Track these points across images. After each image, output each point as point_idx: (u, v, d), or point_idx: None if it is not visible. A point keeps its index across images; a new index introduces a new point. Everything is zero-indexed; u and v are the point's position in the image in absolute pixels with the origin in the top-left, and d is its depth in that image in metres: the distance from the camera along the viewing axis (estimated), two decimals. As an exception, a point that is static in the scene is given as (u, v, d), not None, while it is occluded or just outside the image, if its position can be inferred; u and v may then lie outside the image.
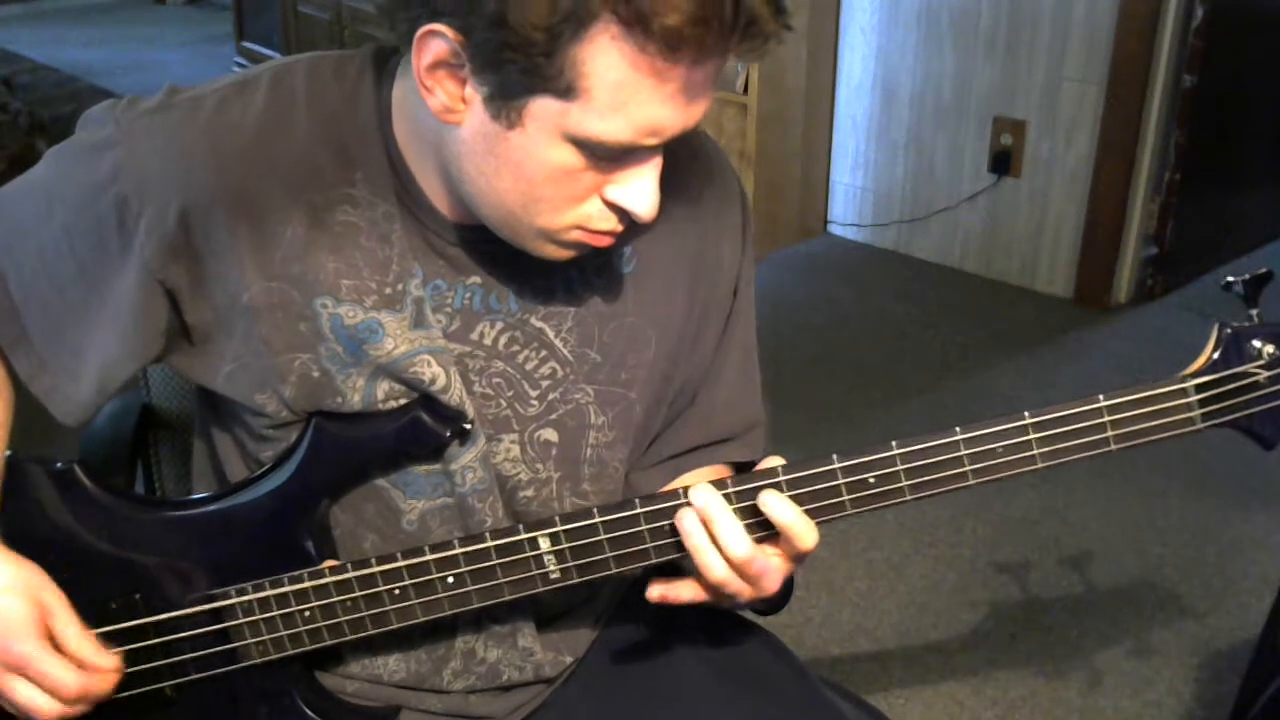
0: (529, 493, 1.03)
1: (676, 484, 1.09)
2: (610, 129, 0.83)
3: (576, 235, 0.91)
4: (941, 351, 3.20)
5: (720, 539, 0.92)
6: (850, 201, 3.84)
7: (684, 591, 0.96)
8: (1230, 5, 3.20)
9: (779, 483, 0.93)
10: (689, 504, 0.93)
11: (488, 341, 0.99)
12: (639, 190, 0.88)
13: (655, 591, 0.97)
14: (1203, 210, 3.45)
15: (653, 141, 0.85)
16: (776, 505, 0.92)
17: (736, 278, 1.09)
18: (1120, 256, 3.37)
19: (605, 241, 0.92)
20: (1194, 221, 3.42)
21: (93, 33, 6.51)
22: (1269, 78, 3.49)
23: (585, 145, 0.84)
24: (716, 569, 0.93)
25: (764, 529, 0.93)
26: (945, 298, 3.50)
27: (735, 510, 0.93)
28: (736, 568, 0.93)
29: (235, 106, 0.95)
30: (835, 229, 3.90)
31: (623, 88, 0.81)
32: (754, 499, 0.93)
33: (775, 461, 0.95)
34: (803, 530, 0.93)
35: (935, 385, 3.02)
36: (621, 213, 0.90)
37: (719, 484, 0.93)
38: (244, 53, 5.19)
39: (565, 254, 0.93)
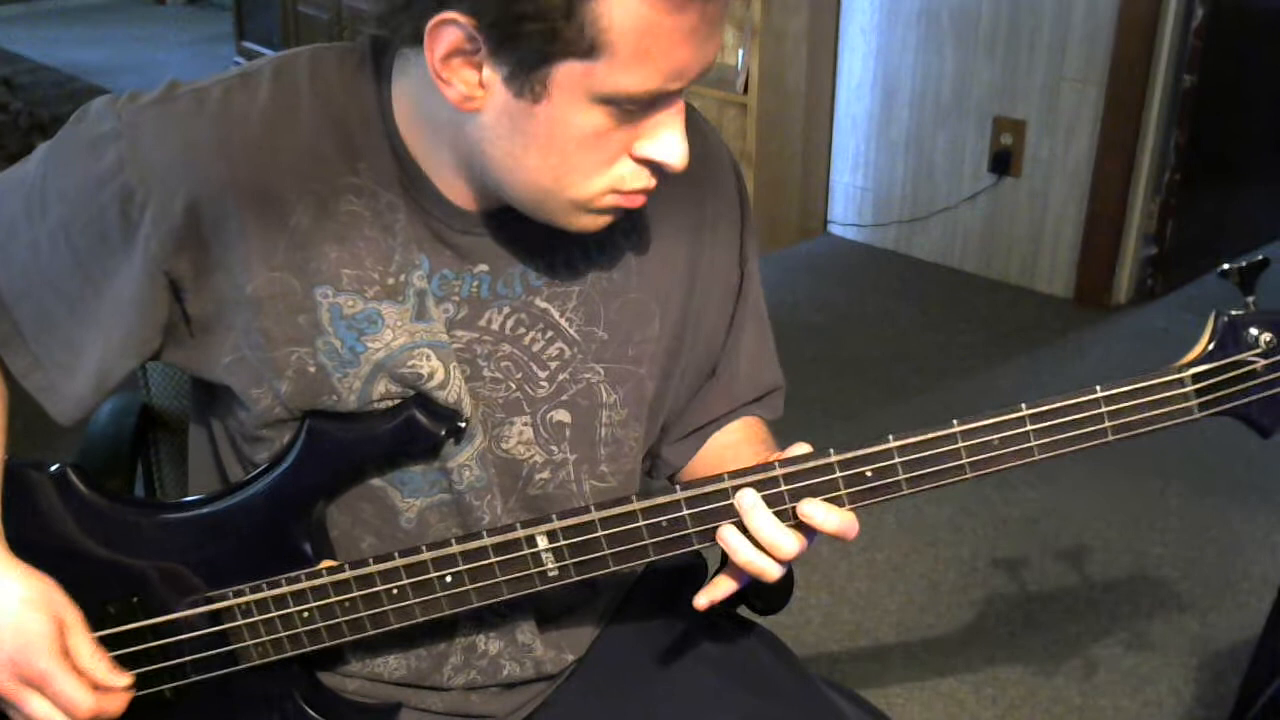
0: (545, 474, 1.03)
1: (706, 448, 1.13)
2: (638, 80, 0.83)
3: (610, 200, 0.91)
4: (941, 351, 3.20)
5: (768, 545, 0.92)
6: (850, 201, 3.84)
7: (720, 588, 0.97)
8: (1230, 5, 3.20)
9: (782, 492, 0.93)
10: (732, 503, 0.93)
11: (495, 327, 0.99)
12: (668, 140, 0.89)
13: (702, 600, 0.97)
14: (1203, 210, 3.45)
15: (678, 85, 0.85)
16: (819, 513, 0.92)
17: (740, 252, 1.10)
18: (1120, 256, 3.37)
19: (639, 201, 0.92)
20: (1194, 221, 3.42)
21: (92, 33, 6.51)
22: (1269, 78, 3.48)
23: (614, 102, 0.84)
24: (764, 565, 0.93)
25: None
26: (945, 298, 3.49)
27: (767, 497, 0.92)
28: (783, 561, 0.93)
29: (240, 98, 0.95)
30: (835, 229, 3.90)
31: (644, 34, 0.81)
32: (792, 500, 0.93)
33: (803, 449, 0.94)
34: (850, 528, 0.93)
35: (935, 385, 3.02)
36: (653, 167, 0.90)
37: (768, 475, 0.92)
38: (244, 53, 5.19)
39: (600, 222, 0.93)
